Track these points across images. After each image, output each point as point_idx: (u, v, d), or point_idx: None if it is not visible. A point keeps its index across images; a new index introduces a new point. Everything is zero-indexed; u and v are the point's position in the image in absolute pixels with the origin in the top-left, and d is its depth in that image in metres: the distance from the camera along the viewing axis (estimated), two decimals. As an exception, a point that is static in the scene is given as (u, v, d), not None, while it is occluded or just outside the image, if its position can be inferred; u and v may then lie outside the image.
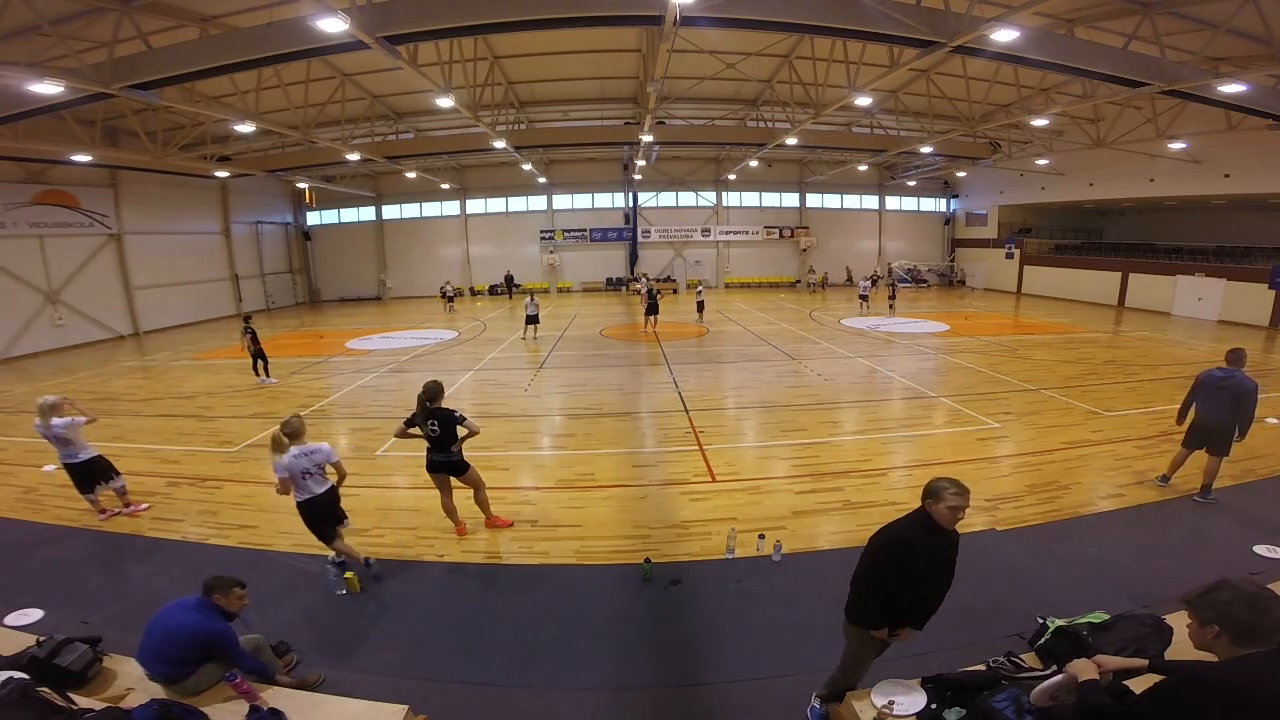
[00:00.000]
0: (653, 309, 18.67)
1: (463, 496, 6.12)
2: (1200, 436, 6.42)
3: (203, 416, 10.78)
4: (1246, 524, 5.90)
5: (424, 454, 5.81)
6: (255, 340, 13.18)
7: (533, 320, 17.91)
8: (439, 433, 5.60)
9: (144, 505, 6.87)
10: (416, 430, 5.72)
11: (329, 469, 5.17)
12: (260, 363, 13.32)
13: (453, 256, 33.07)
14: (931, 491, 2.89)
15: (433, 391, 5.63)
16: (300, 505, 5.07)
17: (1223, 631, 1.89)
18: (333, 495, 5.23)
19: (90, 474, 6.54)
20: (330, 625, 4.74)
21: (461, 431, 5.68)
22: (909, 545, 2.94)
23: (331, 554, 5.40)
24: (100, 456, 6.66)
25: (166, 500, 7.11)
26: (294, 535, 5.72)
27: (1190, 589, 2.04)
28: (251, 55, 10.05)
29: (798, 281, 33.00)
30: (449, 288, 27.16)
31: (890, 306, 23.17)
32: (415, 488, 7.33)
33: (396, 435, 5.91)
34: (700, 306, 20.94)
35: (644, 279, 26.69)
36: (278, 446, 4.88)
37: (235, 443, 9.14)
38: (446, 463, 5.73)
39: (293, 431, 4.97)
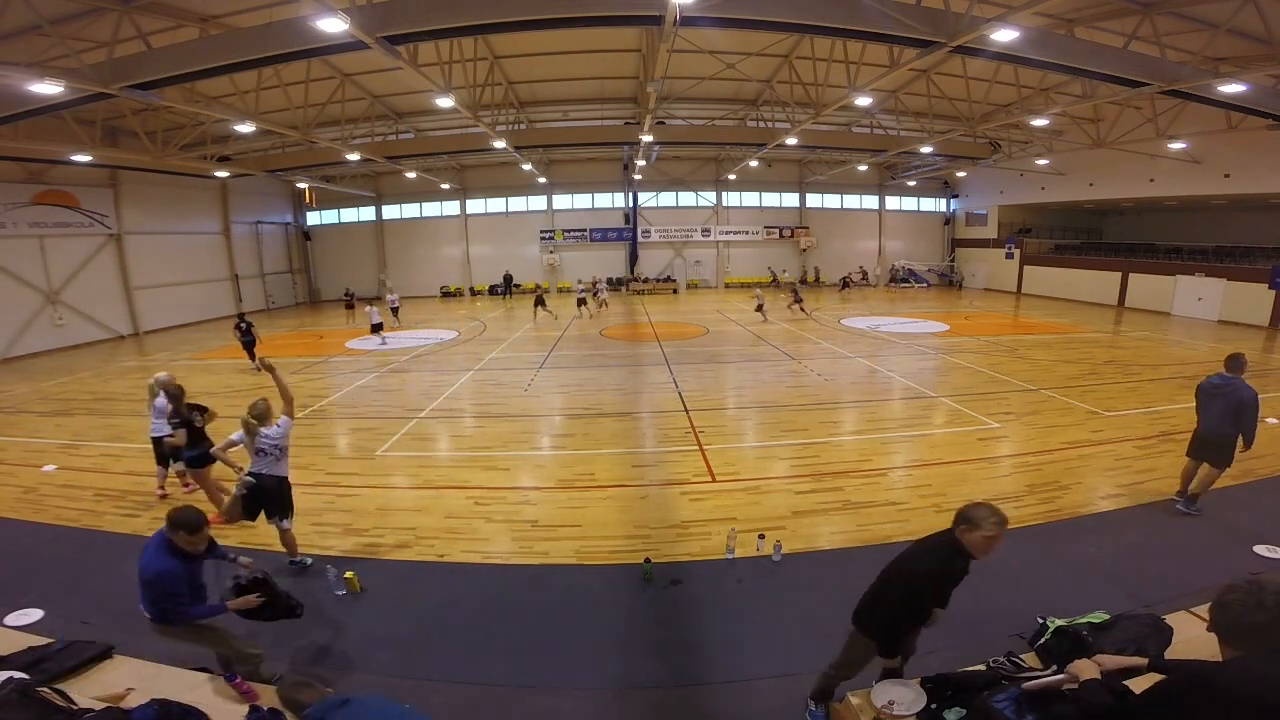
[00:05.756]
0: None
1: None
2: (1200, 447, 6.18)
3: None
4: (1246, 524, 5.89)
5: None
6: (247, 332, 14.50)
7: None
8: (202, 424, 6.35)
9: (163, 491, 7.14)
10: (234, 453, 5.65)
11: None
12: (252, 354, 14.40)
13: (453, 256, 33.11)
14: (967, 518, 2.75)
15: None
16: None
17: (1226, 631, 1.88)
18: (275, 483, 5.26)
19: (170, 449, 6.91)
20: (330, 625, 4.73)
21: (206, 416, 6.50)
22: (942, 578, 2.88)
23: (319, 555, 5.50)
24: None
25: (167, 500, 7.11)
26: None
27: (1226, 580, 1.97)
28: (251, 55, 10.05)
29: (773, 281, 32.77)
30: (392, 298, 22.83)
31: (789, 307, 22.33)
32: (415, 488, 7.35)
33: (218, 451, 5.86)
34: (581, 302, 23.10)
35: (597, 283, 26.08)
36: (248, 430, 5.11)
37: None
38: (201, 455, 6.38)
39: (260, 414, 5.16)
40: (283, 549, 5.41)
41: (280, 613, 3.83)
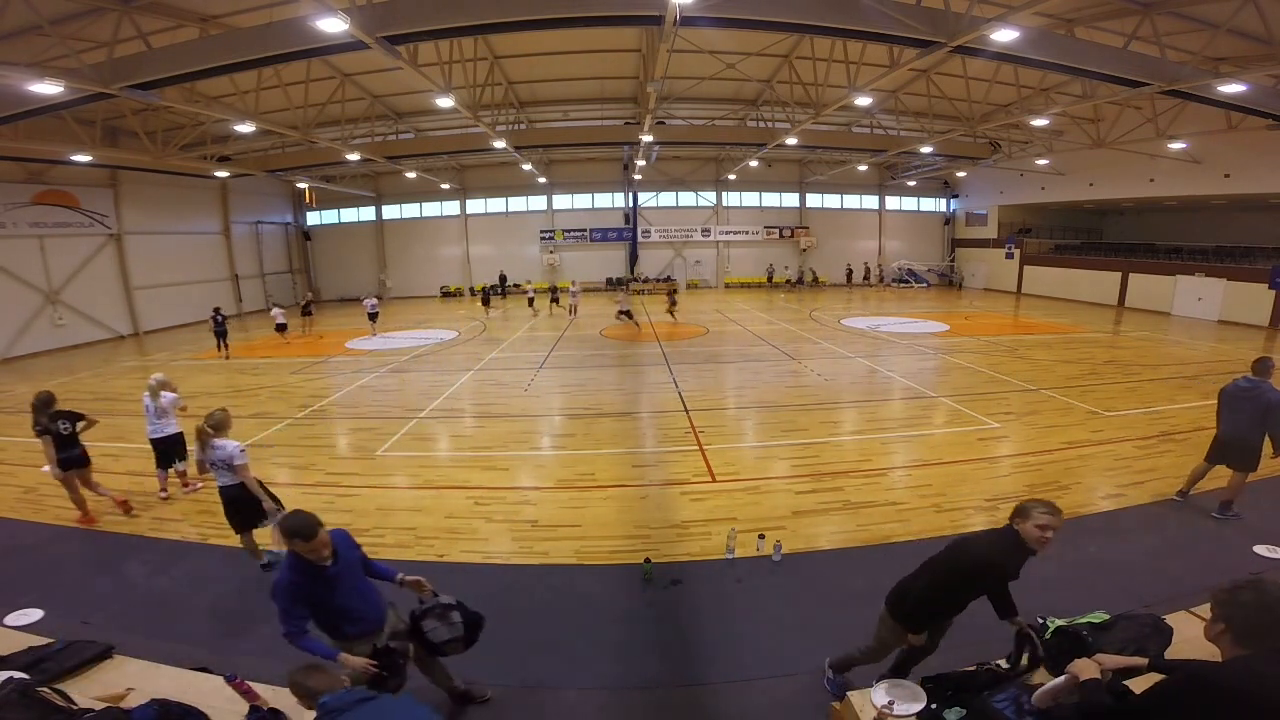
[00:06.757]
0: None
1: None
2: (1220, 450, 6.08)
3: (202, 416, 10.77)
4: (1247, 524, 5.90)
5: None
6: (221, 324, 15.90)
7: (373, 318, 20.03)
8: (71, 430, 6.34)
9: (199, 484, 7.18)
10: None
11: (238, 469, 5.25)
12: (222, 342, 15.98)
13: (453, 256, 33.13)
14: (1021, 511, 2.93)
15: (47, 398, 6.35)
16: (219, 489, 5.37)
17: (1227, 630, 1.88)
18: (236, 493, 5.27)
19: (172, 449, 7.06)
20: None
21: (82, 424, 6.48)
22: (1001, 568, 2.96)
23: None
24: (183, 434, 7.09)
25: (166, 500, 7.11)
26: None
27: (1227, 580, 1.99)
28: (251, 55, 10.05)
29: (790, 281, 33.28)
30: (369, 303, 20.50)
31: (667, 311, 20.86)
32: (415, 488, 7.36)
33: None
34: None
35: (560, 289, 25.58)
36: (200, 436, 5.22)
37: (235, 443, 9.12)
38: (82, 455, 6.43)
39: (216, 424, 5.25)
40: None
41: (395, 688, 3.21)
